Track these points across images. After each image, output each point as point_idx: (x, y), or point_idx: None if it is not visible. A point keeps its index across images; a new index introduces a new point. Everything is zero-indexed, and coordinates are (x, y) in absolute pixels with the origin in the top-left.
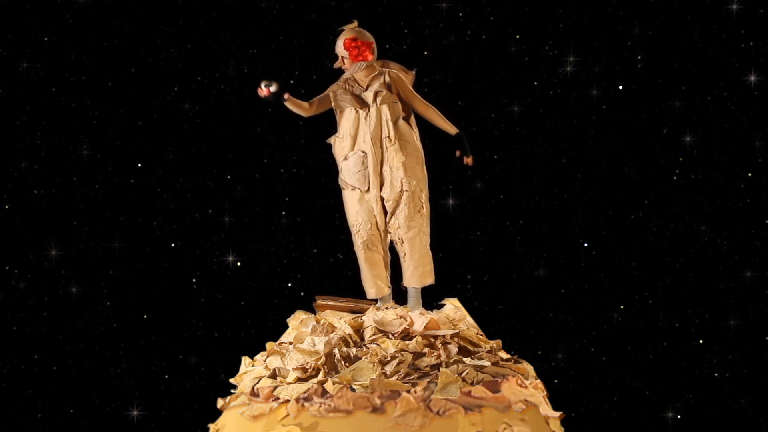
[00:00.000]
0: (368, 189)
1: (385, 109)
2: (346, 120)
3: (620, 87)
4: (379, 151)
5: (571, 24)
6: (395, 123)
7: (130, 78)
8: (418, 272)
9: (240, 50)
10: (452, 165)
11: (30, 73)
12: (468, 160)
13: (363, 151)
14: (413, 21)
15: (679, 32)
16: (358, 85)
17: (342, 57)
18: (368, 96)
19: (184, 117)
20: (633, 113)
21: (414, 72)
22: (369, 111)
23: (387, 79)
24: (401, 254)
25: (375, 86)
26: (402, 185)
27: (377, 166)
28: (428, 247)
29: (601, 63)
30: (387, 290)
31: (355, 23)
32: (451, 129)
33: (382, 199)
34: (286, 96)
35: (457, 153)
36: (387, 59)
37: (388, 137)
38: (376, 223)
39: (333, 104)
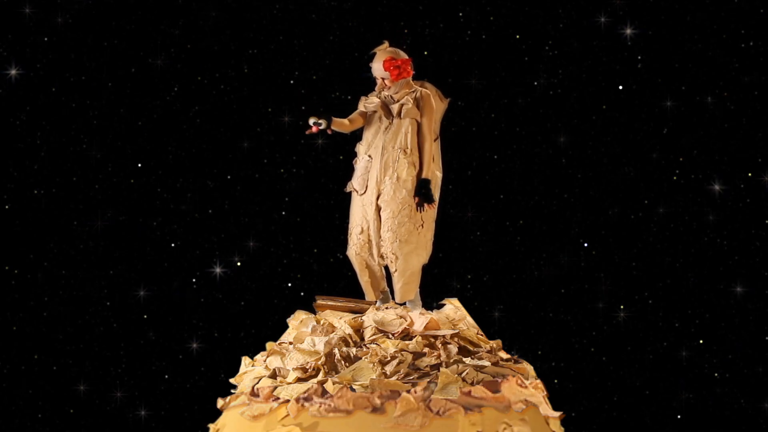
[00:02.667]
0: (365, 192)
1: (406, 122)
2: (369, 127)
3: (620, 87)
4: (388, 159)
5: (571, 24)
6: (413, 138)
7: (130, 78)
8: (406, 288)
9: (240, 50)
10: (452, 167)
11: (29, 73)
12: (426, 206)
13: (369, 156)
14: (413, 21)
15: (678, 32)
16: (391, 97)
17: (383, 79)
18: (395, 108)
19: (184, 117)
20: (633, 113)
21: (448, 100)
22: (392, 121)
23: (418, 95)
24: (392, 268)
25: (403, 100)
26: (402, 200)
27: (381, 172)
28: (420, 267)
29: (601, 63)
30: (380, 296)
31: (386, 44)
32: (427, 172)
33: (379, 208)
34: (329, 132)
35: (416, 199)
36: (426, 81)
37: (404, 149)
38: (368, 228)
39: (362, 106)
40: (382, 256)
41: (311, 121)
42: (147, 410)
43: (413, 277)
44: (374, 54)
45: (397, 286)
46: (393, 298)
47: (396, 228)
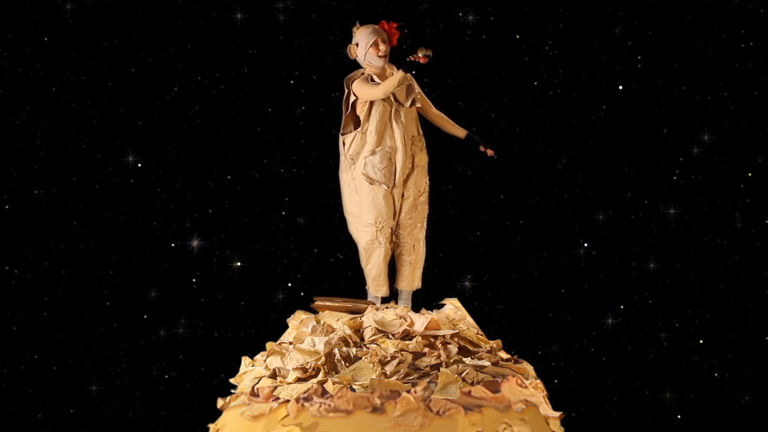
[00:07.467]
0: (393, 185)
1: (414, 110)
2: (373, 116)
3: (620, 87)
4: (410, 149)
5: (571, 24)
6: (419, 125)
7: (130, 78)
8: (420, 275)
9: (240, 50)
10: (453, 167)
11: (30, 73)
12: (490, 152)
13: (390, 147)
14: (413, 21)
15: (678, 32)
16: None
17: (379, 42)
18: (401, 95)
19: (184, 117)
20: (633, 113)
21: None
22: (400, 110)
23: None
24: (409, 256)
25: (416, 88)
26: (424, 186)
27: (407, 162)
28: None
29: (600, 63)
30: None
31: (358, 23)
32: (461, 132)
33: (402, 197)
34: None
35: (482, 148)
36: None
37: (417, 136)
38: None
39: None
40: (395, 245)
41: (423, 52)
42: (147, 410)
43: (422, 263)
44: (353, 33)
45: (416, 273)
46: (399, 287)
47: (416, 215)
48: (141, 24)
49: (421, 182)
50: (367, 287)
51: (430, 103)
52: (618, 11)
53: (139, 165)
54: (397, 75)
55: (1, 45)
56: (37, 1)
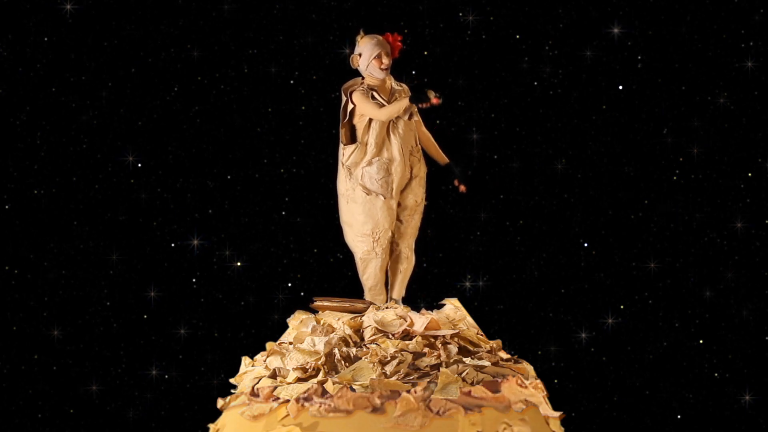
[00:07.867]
0: (391, 196)
1: (413, 123)
2: (373, 128)
3: (620, 87)
4: (408, 160)
5: (571, 24)
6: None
7: (130, 78)
8: (406, 284)
9: (240, 50)
10: (451, 167)
11: (30, 73)
12: (462, 188)
13: (388, 158)
14: (413, 21)
15: (678, 32)
16: (382, 96)
17: (383, 55)
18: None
19: (184, 117)
20: (633, 113)
21: None
22: (398, 122)
23: (403, 92)
24: (402, 264)
25: (406, 102)
26: (421, 196)
27: (406, 173)
28: None
29: (600, 63)
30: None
31: (362, 32)
32: (443, 158)
33: (399, 206)
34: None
35: (456, 182)
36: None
37: (415, 147)
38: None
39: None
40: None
41: (434, 94)
42: (147, 410)
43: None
44: (356, 44)
45: (405, 281)
46: (393, 296)
47: (412, 224)
48: (141, 24)
49: (418, 192)
50: (365, 296)
51: (421, 122)
52: (618, 11)
53: (139, 165)
54: (403, 102)
55: (1, 45)
56: (37, 1)
